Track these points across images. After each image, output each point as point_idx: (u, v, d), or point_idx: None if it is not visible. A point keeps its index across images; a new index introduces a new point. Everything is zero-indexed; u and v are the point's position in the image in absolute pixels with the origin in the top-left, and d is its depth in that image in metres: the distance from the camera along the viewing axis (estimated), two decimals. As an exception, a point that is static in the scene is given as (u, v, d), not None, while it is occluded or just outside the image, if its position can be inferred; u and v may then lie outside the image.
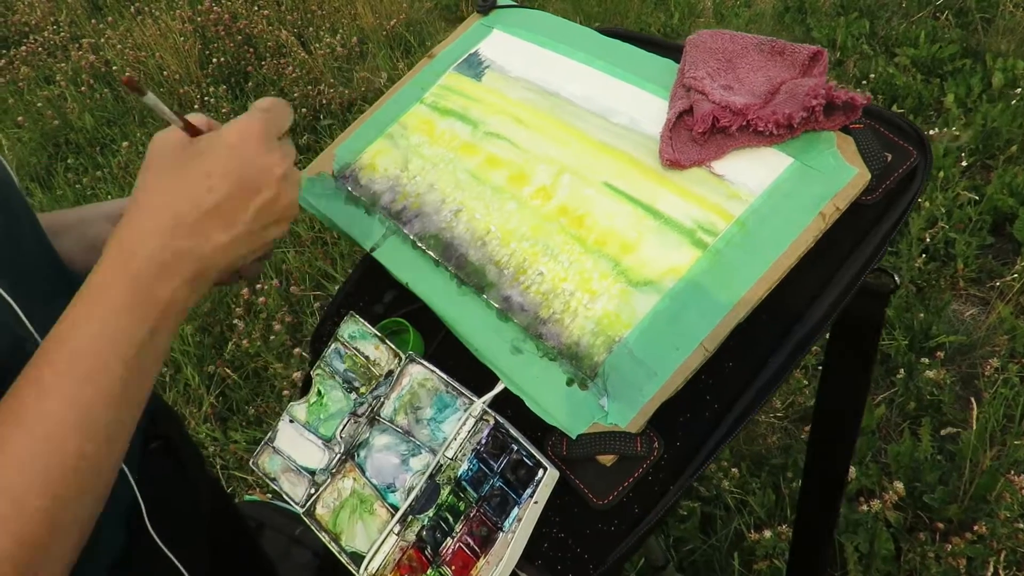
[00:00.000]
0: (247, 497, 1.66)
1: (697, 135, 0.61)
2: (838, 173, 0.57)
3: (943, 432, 1.54)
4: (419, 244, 0.67)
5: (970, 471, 1.43)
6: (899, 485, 1.40)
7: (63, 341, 0.41)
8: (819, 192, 0.56)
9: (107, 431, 0.40)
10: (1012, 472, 1.39)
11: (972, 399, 1.56)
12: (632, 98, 0.68)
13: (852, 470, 1.43)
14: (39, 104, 3.26)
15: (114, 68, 3.38)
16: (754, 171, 0.59)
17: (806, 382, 1.69)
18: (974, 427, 1.46)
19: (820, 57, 0.61)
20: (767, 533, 1.38)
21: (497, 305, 0.61)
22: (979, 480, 1.40)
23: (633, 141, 0.65)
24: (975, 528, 1.33)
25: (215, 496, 0.70)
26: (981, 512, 1.38)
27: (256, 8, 3.54)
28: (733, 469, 1.51)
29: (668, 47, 0.72)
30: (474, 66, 0.78)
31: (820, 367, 1.71)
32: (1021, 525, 1.32)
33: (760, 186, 0.58)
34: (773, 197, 0.57)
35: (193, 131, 0.50)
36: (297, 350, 1.99)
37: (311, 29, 3.43)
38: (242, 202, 0.46)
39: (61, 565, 0.39)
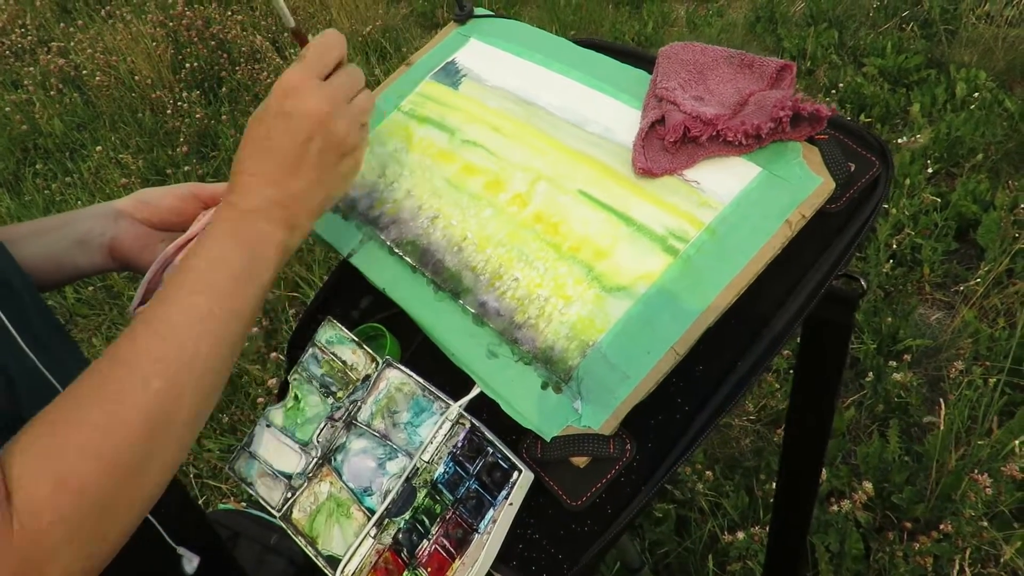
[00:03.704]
0: (221, 506, 1.64)
1: (669, 144, 0.62)
2: (804, 182, 0.58)
3: (911, 431, 1.58)
4: (396, 250, 0.68)
5: (936, 471, 1.46)
6: (868, 485, 1.43)
7: (184, 265, 0.50)
8: (786, 200, 0.58)
9: (216, 336, 0.48)
10: (976, 471, 1.43)
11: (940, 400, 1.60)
12: (606, 108, 0.69)
13: (823, 471, 1.46)
14: (7, 109, 3.20)
15: (83, 72, 3.33)
16: (724, 180, 0.61)
17: (778, 386, 1.72)
18: (941, 428, 1.49)
19: (788, 70, 0.63)
20: (740, 535, 1.40)
21: (473, 310, 0.62)
22: (945, 480, 1.44)
23: (607, 150, 0.66)
24: (941, 527, 1.37)
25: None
26: (947, 511, 1.42)
27: (230, 13, 3.52)
28: (707, 472, 1.53)
29: (641, 58, 0.73)
30: (451, 74, 0.79)
31: (791, 371, 1.75)
32: (985, 523, 1.36)
33: (729, 194, 0.60)
34: (742, 205, 0.59)
35: (301, 39, 0.57)
36: (274, 354, 1.98)
37: (286, 35, 3.42)
38: (300, 151, 0.53)
39: (178, 445, 0.47)
